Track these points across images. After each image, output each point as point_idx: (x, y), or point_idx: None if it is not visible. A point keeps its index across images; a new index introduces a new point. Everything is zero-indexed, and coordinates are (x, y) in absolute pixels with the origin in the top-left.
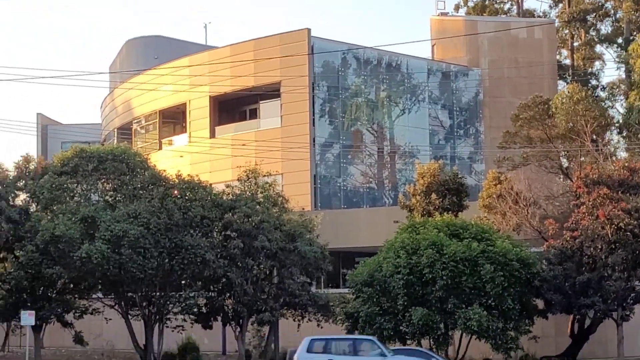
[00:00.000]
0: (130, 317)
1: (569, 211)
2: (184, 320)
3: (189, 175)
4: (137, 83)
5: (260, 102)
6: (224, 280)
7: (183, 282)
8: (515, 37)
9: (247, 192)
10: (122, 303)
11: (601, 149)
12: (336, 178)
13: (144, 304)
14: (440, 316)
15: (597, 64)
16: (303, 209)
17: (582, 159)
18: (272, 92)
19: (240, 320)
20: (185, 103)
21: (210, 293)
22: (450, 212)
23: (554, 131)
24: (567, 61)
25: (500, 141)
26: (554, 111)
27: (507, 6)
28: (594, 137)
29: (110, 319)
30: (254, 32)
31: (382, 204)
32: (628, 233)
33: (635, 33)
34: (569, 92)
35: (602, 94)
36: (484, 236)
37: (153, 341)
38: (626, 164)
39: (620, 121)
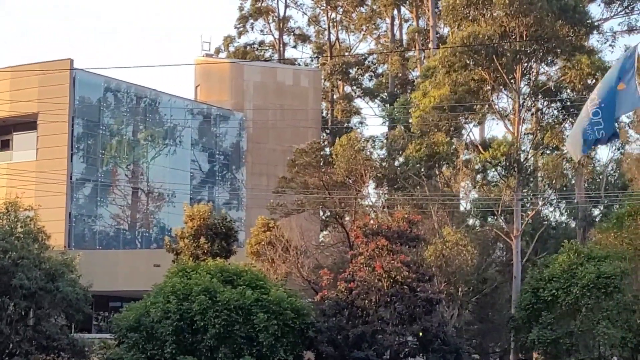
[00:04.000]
0: None
1: (342, 261)
2: None
3: None
4: None
5: (14, 133)
6: None
7: None
8: (282, 83)
9: (6, 226)
10: None
11: (378, 199)
12: (89, 217)
13: None
14: None
15: (356, 117)
16: (67, 247)
17: (360, 208)
18: (28, 123)
19: None
20: None
21: None
22: (219, 257)
23: (331, 179)
24: (326, 112)
25: (276, 187)
26: (335, 158)
27: (268, 53)
28: (373, 186)
29: None
30: (12, 61)
31: (135, 247)
32: (405, 286)
33: (398, 88)
34: (349, 140)
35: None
36: (258, 284)
37: None
38: (405, 215)
39: (397, 172)
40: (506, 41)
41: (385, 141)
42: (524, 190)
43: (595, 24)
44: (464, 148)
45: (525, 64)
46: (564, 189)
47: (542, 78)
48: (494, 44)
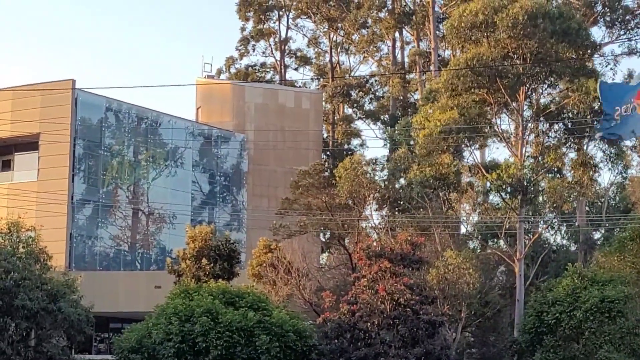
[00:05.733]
0: None
1: (344, 284)
2: None
3: None
4: None
5: (16, 153)
6: None
7: None
8: (283, 105)
9: (8, 247)
10: None
11: (381, 222)
12: (89, 238)
13: None
14: None
15: (357, 139)
16: (67, 267)
17: (362, 230)
18: (29, 143)
19: None
20: None
21: None
22: (221, 278)
23: (334, 200)
24: (327, 134)
25: (279, 208)
26: (337, 180)
27: (269, 75)
28: (376, 207)
29: None
30: (14, 81)
31: (135, 268)
32: (408, 309)
33: (399, 110)
34: (352, 162)
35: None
36: (261, 306)
37: None
38: (409, 238)
39: (400, 194)
40: (509, 63)
41: (386, 163)
42: (528, 213)
43: (598, 47)
44: (468, 171)
45: (528, 86)
46: (565, 212)
47: (546, 100)
48: (497, 65)
